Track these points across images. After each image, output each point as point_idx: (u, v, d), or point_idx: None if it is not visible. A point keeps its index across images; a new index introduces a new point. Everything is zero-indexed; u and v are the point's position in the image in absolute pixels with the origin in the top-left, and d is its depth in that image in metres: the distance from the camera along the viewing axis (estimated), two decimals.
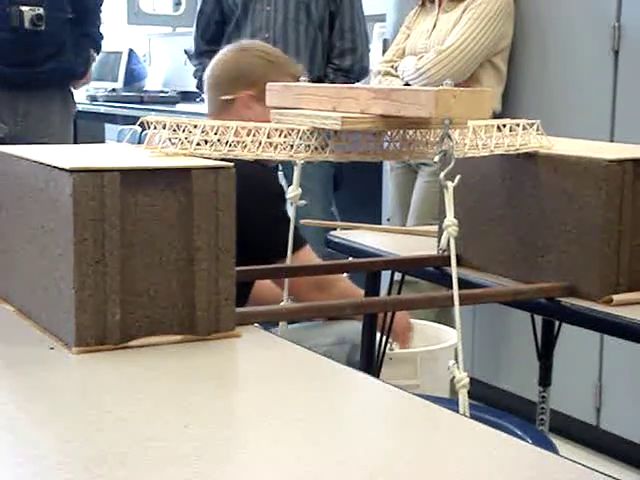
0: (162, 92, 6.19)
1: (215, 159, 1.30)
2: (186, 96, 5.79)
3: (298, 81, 1.63)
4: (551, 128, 3.15)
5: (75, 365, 1.12)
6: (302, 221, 2.11)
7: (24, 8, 3.42)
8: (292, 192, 1.62)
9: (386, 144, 1.40)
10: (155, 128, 1.31)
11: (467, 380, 1.30)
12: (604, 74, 2.96)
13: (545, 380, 2.25)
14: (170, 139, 1.31)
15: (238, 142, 1.35)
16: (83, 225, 1.12)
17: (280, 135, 1.38)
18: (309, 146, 1.39)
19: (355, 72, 3.84)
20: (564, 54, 3.12)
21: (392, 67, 3.32)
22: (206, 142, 1.34)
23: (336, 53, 3.86)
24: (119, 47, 6.88)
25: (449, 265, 1.71)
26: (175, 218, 1.18)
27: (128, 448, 0.87)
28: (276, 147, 1.37)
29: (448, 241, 1.35)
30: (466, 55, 3.10)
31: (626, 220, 1.45)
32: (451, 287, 1.69)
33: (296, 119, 1.42)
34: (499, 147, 1.51)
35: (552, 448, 1.53)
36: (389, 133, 1.40)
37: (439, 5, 3.25)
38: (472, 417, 1.69)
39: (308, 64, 3.80)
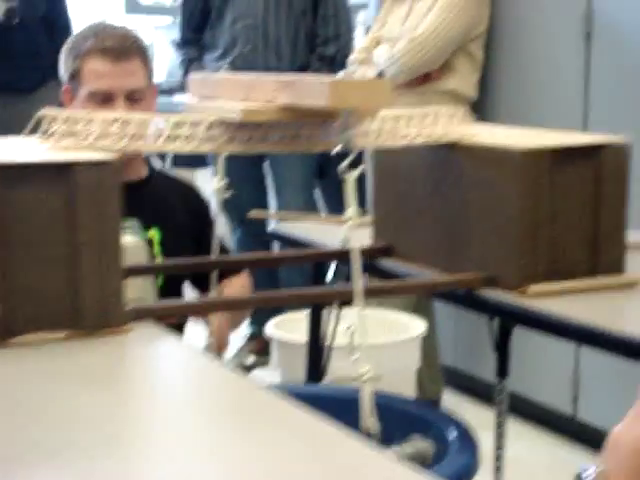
0: (167, 82, 6.17)
1: (115, 153, 1.29)
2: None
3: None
4: (527, 114, 3.14)
5: None
6: (250, 213, 2.09)
7: None
8: (217, 183, 1.60)
9: (291, 135, 1.38)
10: (51, 122, 1.29)
11: (371, 374, 1.28)
12: (577, 58, 2.92)
13: (502, 372, 2.22)
14: (69, 133, 1.30)
15: (140, 135, 1.34)
16: None
17: (184, 127, 1.36)
18: (214, 138, 1.37)
19: (338, 60, 3.81)
20: (538, 40, 3.08)
21: (367, 55, 3.29)
22: (108, 135, 1.32)
23: (320, 41, 3.83)
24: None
25: (382, 256, 1.70)
26: (59, 213, 1.16)
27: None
28: (180, 139, 1.35)
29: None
30: (439, 42, 3.07)
31: (544, 210, 1.42)
32: (383, 278, 1.68)
33: (203, 110, 1.40)
34: (419, 137, 1.48)
35: (472, 446, 1.50)
36: (291, 124, 1.37)
37: None
38: (398, 411, 1.68)
39: (291, 51, 3.78)
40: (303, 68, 3.81)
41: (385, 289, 1.46)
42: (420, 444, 1.30)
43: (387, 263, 1.66)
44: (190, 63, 3.97)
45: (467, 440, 1.49)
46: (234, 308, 1.36)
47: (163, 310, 1.25)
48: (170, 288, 1.90)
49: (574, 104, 2.95)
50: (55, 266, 1.16)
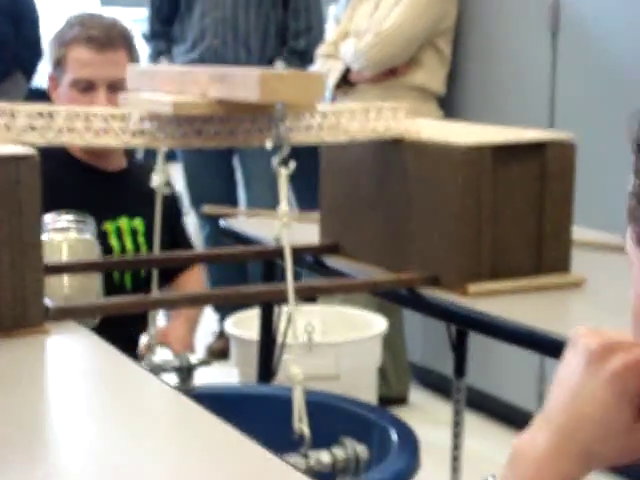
0: None
1: (42, 146, 1.25)
2: None
3: None
4: (495, 109, 3.10)
5: None
6: (205, 208, 2.05)
7: None
8: (156, 181, 1.56)
9: (225, 129, 1.34)
10: None
11: (302, 376, 1.24)
12: (544, 53, 2.89)
13: (459, 371, 2.19)
14: None
15: (68, 128, 1.30)
16: None
17: (115, 120, 1.32)
18: (146, 132, 1.33)
19: (309, 54, 3.76)
20: (506, 35, 3.05)
21: (335, 49, 3.26)
22: (34, 128, 1.28)
23: (291, 34, 3.78)
24: None
25: (327, 254, 1.67)
26: None
27: None
28: (110, 133, 1.31)
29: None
30: (405, 36, 3.03)
31: (486, 207, 1.39)
32: (327, 276, 1.64)
33: (137, 103, 1.36)
34: (360, 133, 1.45)
35: (415, 445, 1.47)
36: (227, 118, 1.33)
37: None
38: (345, 411, 1.65)
39: (261, 44, 3.73)
40: (273, 61, 3.77)
41: (323, 288, 1.42)
42: (352, 447, 1.26)
43: (333, 261, 1.62)
44: (159, 56, 3.92)
45: (408, 442, 1.46)
46: (164, 307, 1.32)
47: (84, 310, 1.21)
48: (143, 286, 1.87)
49: (541, 98, 2.92)
50: None
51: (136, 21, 6.74)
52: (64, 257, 1.47)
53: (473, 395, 3.04)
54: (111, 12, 6.58)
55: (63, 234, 1.51)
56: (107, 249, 1.89)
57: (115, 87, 1.94)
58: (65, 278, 1.42)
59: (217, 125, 1.35)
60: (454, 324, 1.40)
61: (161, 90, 1.41)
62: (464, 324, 1.36)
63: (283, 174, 1.24)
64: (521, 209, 1.42)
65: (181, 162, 3.93)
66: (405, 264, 1.48)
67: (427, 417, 3.33)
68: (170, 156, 4.39)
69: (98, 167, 2.01)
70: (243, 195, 3.85)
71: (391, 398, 3.36)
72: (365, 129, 1.45)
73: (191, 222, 4.94)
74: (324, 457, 1.22)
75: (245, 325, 2.58)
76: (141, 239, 1.97)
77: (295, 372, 1.24)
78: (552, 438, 0.71)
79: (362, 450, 1.26)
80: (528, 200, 1.43)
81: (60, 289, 1.40)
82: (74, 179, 1.98)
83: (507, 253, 1.42)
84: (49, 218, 1.56)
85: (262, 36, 3.73)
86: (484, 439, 2.83)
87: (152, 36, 3.97)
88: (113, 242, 1.93)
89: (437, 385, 3.42)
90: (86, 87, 1.97)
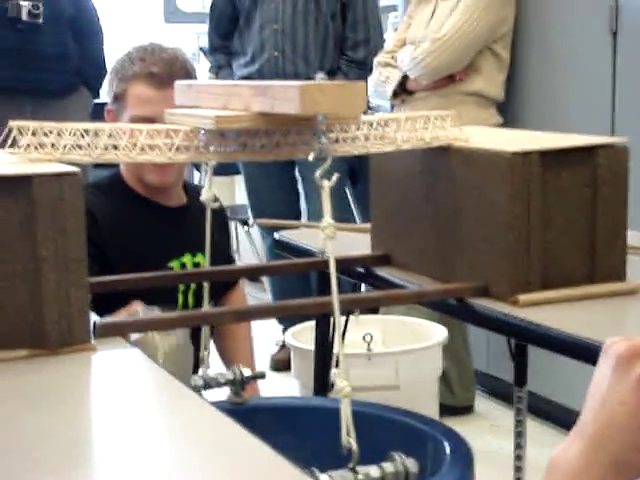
0: None
1: (86, 165, 1.26)
2: None
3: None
4: (554, 114, 3.06)
5: None
6: (257, 220, 2.06)
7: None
8: (205, 194, 1.56)
9: (270, 142, 1.34)
10: (22, 133, 1.27)
11: (349, 389, 1.23)
12: (603, 56, 2.84)
13: (520, 380, 2.16)
14: (38, 144, 1.27)
15: (113, 145, 1.31)
16: None
17: (160, 136, 1.32)
18: (189, 147, 1.33)
19: (369, 64, 3.76)
20: (564, 39, 3.01)
21: (392, 58, 3.25)
22: (80, 147, 1.29)
23: (349, 45, 3.79)
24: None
25: (377, 265, 1.65)
26: (18, 228, 1.13)
27: None
28: (156, 149, 1.32)
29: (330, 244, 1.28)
30: (462, 43, 3.01)
31: (535, 215, 1.36)
32: (377, 288, 1.63)
33: (181, 119, 1.37)
34: (407, 142, 1.43)
35: (469, 457, 1.45)
36: (273, 131, 1.33)
37: None
38: (397, 422, 1.63)
39: (320, 56, 3.74)
40: (332, 72, 3.77)
41: (370, 299, 1.41)
42: (401, 461, 1.25)
43: (383, 272, 1.61)
44: (219, 70, 3.95)
45: (461, 454, 1.44)
46: (208, 322, 1.32)
47: (132, 326, 1.21)
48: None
49: (602, 102, 2.87)
50: (16, 282, 1.14)
51: (199, 34, 6.82)
52: (161, 360, 1.50)
53: (537, 402, 3.00)
54: (174, 29, 6.65)
55: (165, 338, 1.52)
56: (173, 287, 1.89)
57: None
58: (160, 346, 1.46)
59: (263, 139, 1.35)
60: (503, 334, 1.37)
61: (206, 106, 1.41)
62: (514, 335, 1.34)
63: (326, 186, 1.23)
64: (572, 216, 1.40)
65: (243, 174, 3.95)
66: (454, 274, 1.47)
67: (493, 425, 3.29)
68: (233, 169, 4.41)
69: (160, 203, 2.00)
70: (304, 207, 3.85)
71: (457, 407, 3.33)
72: (412, 138, 1.44)
73: (254, 233, 4.98)
74: (373, 472, 1.21)
75: (305, 336, 2.58)
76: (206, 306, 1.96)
77: (342, 385, 1.23)
78: (584, 449, 0.70)
79: (412, 464, 1.24)
80: (579, 207, 1.40)
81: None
82: (138, 216, 1.97)
83: (558, 262, 1.39)
84: (141, 309, 1.58)
85: (321, 48, 3.74)
86: (550, 447, 2.78)
87: (211, 50, 4.01)
88: (179, 295, 1.93)
89: (502, 393, 3.38)
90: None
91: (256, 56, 3.78)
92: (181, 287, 1.97)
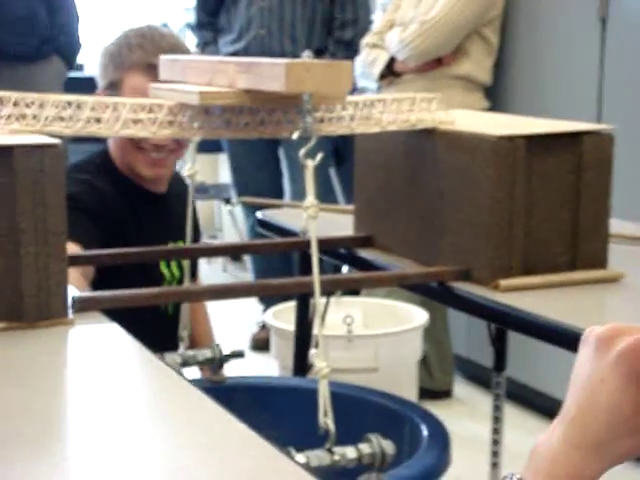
0: None
1: (69, 137, 1.25)
2: None
3: None
4: (542, 100, 3.06)
5: None
6: (241, 199, 2.05)
7: None
8: (188, 170, 1.55)
9: (255, 120, 1.33)
10: (3, 103, 1.25)
11: (327, 370, 1.22)
12: (592, 43, 2.84)
13: (499, 365, 2.16)
14: (20, 115, 1.25)
15: (96, 119, 1.29)
16: None
17: (144, 111, 1.31)
18: (173, 122, 1.32)
19: (356, 44, 3.74)
20: (554, 24, 3.00)
21: (380, 39, 3.23)
22: (62, 119, 1.28)
23: (337, 25, 3.77)
24: (153, 21, 6.85)
25: (360, 247, 1.65)
26: None
27: None
28: (140, 124, 1.31)
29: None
30: (451, 26, 3.00)
31: (519, 200, 1.36)
32: (359, 270, 1.63)
33: (166, 94, 1.36)
34: (392, 124, 1.43)
35: (446, 441, 1.45)
36: (258, 109, 1.32)
37: None
38: (375, 404, 1.63)
39: (307, 35, 3.72)
40: (320, 52, 3.75)
41: (351, 280, 1.40)
42: (378, 443, 1.24)
43: (366, 253, 1.60)
44: (205, 47, 3.92)
45: (438, 437, 1.44)
46: (187, 299, 1.31)
47: (109, 300, 1.20)
48: None
49: (589, 88, 2.87)
50: None
51: (187, 10, 6.77)
52: None
53: (516, 388, 3.00)
54: (162, 3, 6.59)
55: None
56: (158, 278, 1.85)
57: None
58: None
59: (247, 116, 1.34)
60: (483, 319, 1.37)
61: (191, 81, 1.40)
62: (494, 319, 1.33)
63: (310, 166, 1.22)
64: (556, 202, 1.39)
65: (227, 153, 3.94)
66: (437, 257, 1.46)
67: (471, 410, 3.30)
68: (217, 147, 4.39)
69: (146, 189, 1.95)
70: (287, 186, 3.84)
71: (435, 391, 3.34)
72: (397, 120, 1.43)
73: (237, 212, 4.97)
74: (349, 453, 1.20)
75: (285, 317, 2.57)
76: (185, 262, 1.93)
77: (320, 366, 1.23)
78: (565, 433, 0.69)
79: (388, 446, 1.24)
80: (563, 193, 1.40)
81: None
82: (128, 203, 1.91)
83: (541, 247, 1.39)
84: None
85: (308, 27, 3.72)
86: (527, 432, 2.79)
87: (198, 26, 3.98)
88: (164, 270, 1.90)
89: (481, 378, 3.38)
90: None
91: (243, 33, 3.76)
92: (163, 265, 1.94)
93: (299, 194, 3.66)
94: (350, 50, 3.74)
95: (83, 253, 1.43)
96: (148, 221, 1.91)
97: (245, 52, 3.70)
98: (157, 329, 1.65)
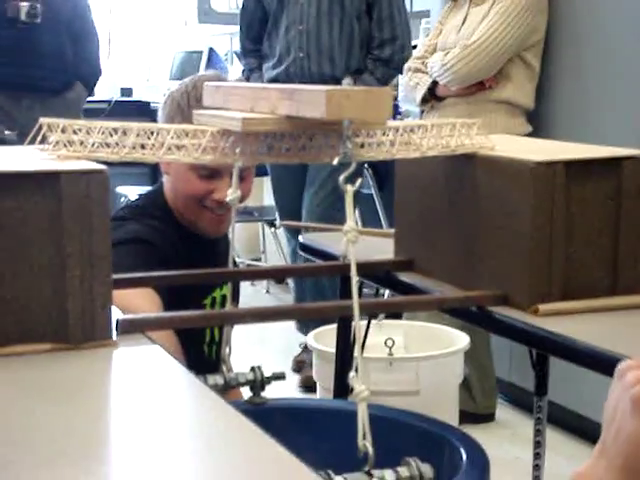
0: None
1: (113, 163, 1.28)
2: None
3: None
4: (586, 124, 3.05)
5: None
6: (282, 222, 2.07)
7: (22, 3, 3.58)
8: (231, 194, 1.57)
9: (296, 145, 1.35)
10: (51, 130, 1.29)
11: (366, 393, 1.23)
12: (636, 66, 2.83)
13: (540, 389, 2.16)
14: (67, 142, 1.29)
15: (141, 145, 1.32)
16: None
17: (187, 136, 1.34)
18: (215, 148, 1.34)
19: (395, 62, 3.76)
20: (597, 48, 3.00)
21: (422, 63, 3.25)
22: (108, 145, 1.31)
23: (375, 44, 3.79)
24: (200, 46, 6.93)
25: (400, 270, 1.66)
26: (45, 223, 1.15)
27: None
28: (182, 149, 1.33)
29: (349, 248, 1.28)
30: (492, 50, 3.01)
31: (558, 226, 1.37)
32: (399, 293, 1.64)
33: (209, 120, 1.38)
34: (432, 149, 1.44)
35: (485, 465, 1.45)
36: (299, 134, 1.34)
37: None
38: (415, 427, 1.64)
39: (346, 56, 3.74)
40: (359, 72, 3.78)
41: (390, 304, 1.42)
42: (416, 466, 1.25)
43: (406, 277, 1.61)
44: (251, 73, 3.97)
45: (478, 461, 1.44)
46: (229, 322, 1.33)
47: (154, 322, 1.23)
48: None
49: (633, 113, 2.86)
50: (41, 277, 1.15)
51: (232, 35, 6.84)
52: None
53: (558, 412, 2.99)
54: (208, 29, 6.65)
55: None
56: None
57: (240, 175, 1.68)
58: None
59: (288, 141, 1.36)
60: (522, 343, 1.38)
61: (234, 108, 1.42)
62: (532, 344, 1.34)
63: (349, 191, 1.24)
64: (595, 227, 1.40)
65: (270, 176, 3.97)
66: (476, 282, 1.47)
67: (513, 434, 3.29)
68: (262, 170, 4.43)
69: (198, 235, 1.95)
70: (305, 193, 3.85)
71: (478, 415, 3.33)
72: (437, 145, 1.44)
73: (281, 234, 5.00)
74: (388, 476, 1.21)
75: (327, 339, 2.59)
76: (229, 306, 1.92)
77: (359, 389, 1.24)
78: (609, 475, 0.70)
79: (427, 469, 1.24)
80: (603, 218, 1.40)
81: None
82: (183, 248, 1.91)
83: (580, 273, 1.40)
84: None
85: (347, 48, 3.75)
86: (569, 457, 2.78)
87: (243, 53, 4.03)
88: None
89: (523, 402, 3.37)
90: (209, 175, 1.90)
91: (283, 57, 3.80)
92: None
93: (310, 197, 3.62)
94: (388, 67, 3.77)
95: (127, 276, 1.45)
96: (201, 267, 1.89)
97: (286, 76, 3.74)
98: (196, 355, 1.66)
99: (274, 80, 3.72)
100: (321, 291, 3.65)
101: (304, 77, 3.69)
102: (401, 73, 3.72)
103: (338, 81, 3.67)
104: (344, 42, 3.73)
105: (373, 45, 3.78)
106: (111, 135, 1.30)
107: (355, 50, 3.76)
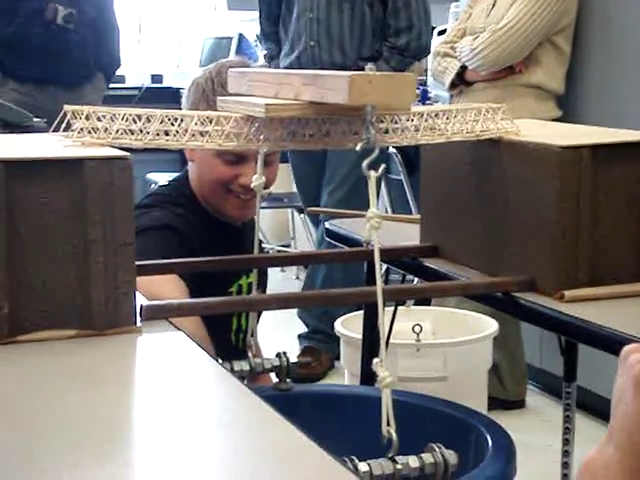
0: None
1: (137, 149, 1.28)
2: None
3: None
4: (617, 109, 3.02)
5: None
6: (308, 209, 2.06)
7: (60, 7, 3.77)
8: (256, 181, 1.57)
9: (320, 131, 1.35)
10: (75, 117, 1.29)
11: (390, 379, 1.23)
12: None
13: (569, 375, 2.15)
14: (92, 129, 1.29)
15: (164, 131, 1.32)
16: None
17: (211, 123, 1.34)
18: (239, 135, 1.34)
19: (410, 50, 3.70)
20: (628, 32, 2.96)
21: (451, 48, 3.23)
22: (132, 132, 1.31)
23: (391, 32, 3.71)
24: (229, 32, 6.92)
25: (426, 256, 1.65)
26: (69, 210, 1.15)
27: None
28: (206, 136, 1.33)
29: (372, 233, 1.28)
30: (522, 34, 2.98)
31: (585, 211, 1.36)
32: (424, 280, 1.63)
33: (233, 107, 1.38)
34: (457, 134, 1.43)
35: (511, 451, 1.44)
36: (323, 120, 1.34)
37: None
38: (441, 413, 1.63)
39: (357, 44, 3.68)
40: (373, 59, 3.70)
41: (415, 290, 1.41)
42: (441, 453, 1.25)
43: (431, 263, 1.61)
44: (271, 60, 3.94)
45: (503, 448, 1.44)
46: (254, 308, 1.33)
47: (177, 309, 1.23)
48: None
49: None
50: (65, 264, 1.16)
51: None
52: None
53: (587, 397, 2.97)
54: (238, 15, 6.65)
55: None
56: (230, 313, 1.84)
57: (266, 161, 1.67)
58: None
59: (312, 127, 1.36)
60: (548, 329, 1.37)
61: (258, 94, 1.42)
62: (558, 330, 1.33)
63: (373, 177, 1.24)
64: (622, 212, 1.38)
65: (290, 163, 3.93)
66: (502, 267, 1.46)
67: (543, 420, 3.28)
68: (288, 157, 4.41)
69: (225, 222, 1.95)
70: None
71: (508, 401, 3.32)
72: (462, 130, 1.43)
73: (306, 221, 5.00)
74: (412, 462, 1.21)
75: (354, 325, 2.59)
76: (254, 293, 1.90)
77: (383, 375, 1.24)
78: (621, 459, 0.70)
79: (451, 455, 1.24)
80: (630, 203, 1.39)
81: None
82: (209, 235, 1.92)
83: (607, 258, 1.38)
84: None
85: (358, 36, 3.68)
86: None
87: (263, 37, 4.01)
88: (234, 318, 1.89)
89: (554, 388, 3.35)
90: (234, 161, 1.91)
91: (294, 45, 3.76)
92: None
93: (328, 195, 3.59)
94: (404, 56, 3.71)
95: (152, 262, 1.46)
96: (226, 254, 1.89)
97: (297, 64, 3.70)
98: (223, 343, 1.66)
99: (287, 68, 3.69)
100: (331, 285, 3.60)
101: (315, 65, 3.65)
102: (418, 60, 3.69)
103: (349, 70, 3.64)
104: (355, 30, 3.67)
105: (388, 33, 3.72)
106: (135, 122, 1.30)
107: (366, 38, 3.70)
